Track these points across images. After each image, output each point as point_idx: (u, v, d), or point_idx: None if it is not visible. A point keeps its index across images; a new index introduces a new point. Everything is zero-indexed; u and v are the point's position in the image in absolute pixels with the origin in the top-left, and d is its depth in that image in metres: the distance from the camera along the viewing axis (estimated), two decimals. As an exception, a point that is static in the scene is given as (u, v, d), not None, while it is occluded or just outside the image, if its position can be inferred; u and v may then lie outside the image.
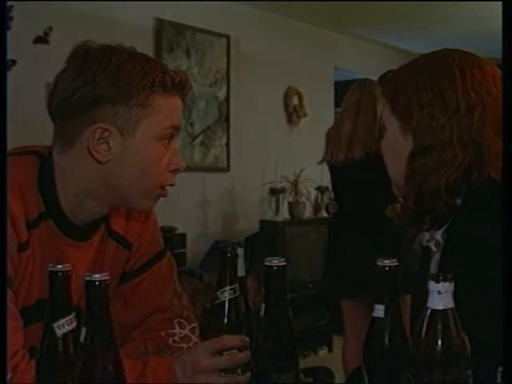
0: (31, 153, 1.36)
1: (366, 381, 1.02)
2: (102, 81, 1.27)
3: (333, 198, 3.57)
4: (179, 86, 1.34)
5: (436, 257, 1.28)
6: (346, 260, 3.22)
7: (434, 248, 1.29)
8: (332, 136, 3.31)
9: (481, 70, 1.28)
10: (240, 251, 1.21)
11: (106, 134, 1.29)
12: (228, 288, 1.19)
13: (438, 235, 1.28)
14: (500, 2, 1.29)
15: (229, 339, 1.19)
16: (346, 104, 3.32)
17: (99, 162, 1.30)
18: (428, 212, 1.28)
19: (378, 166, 3.02)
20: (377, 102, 3.18)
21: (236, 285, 1.19)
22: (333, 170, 3.37)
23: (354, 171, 3.20)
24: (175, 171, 1.37)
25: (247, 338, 1.18)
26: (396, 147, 1.32)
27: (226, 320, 1.19)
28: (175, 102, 1.34)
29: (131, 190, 1.33)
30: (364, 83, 3.34)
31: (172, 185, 1.38)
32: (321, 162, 3.39)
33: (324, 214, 5.43)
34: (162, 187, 1.36)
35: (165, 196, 1.39)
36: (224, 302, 1.19)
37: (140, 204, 1.37)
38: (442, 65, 1.28)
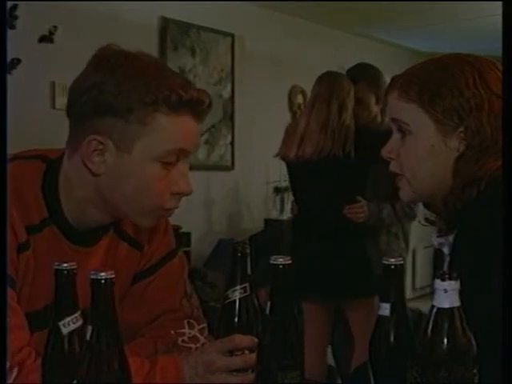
0: (37, 157, 1.34)
1: (372, 379, 1.02)
2: (107, 88, 1.22)
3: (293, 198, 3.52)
4: (188, 105, 1.24)
5: (448, 258, 1.29)
6: (304, 262, 3.18)
7: (446, 251, 1.30)
8: (287, 132, 3.24)
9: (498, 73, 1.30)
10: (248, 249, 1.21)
11: (102, 146, 1.24)
12: (239, 287, 1.18)
13: (451, 237, 1.28)
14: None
15: (240, 339, 1.18)
16: (308, 100, 3.23)
17: (93, 174, 1.27)
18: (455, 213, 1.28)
19: (331, 166, 3.00)
20: (332, 99, 3.08)
21: (246, 284, 1.18)
22: (288, 167, 3.29)
23: (307, 170, 3.12)
24: (179, 194, 1.30)
25: (256, 339, 1.18)
26: (433, 152, 1.30)
27: (237, 319, 1.19)
28: (184, 122, 1.25)
29: (127, 207, 1.29)
30: (322, 78, 3.23)
31: (175, 207, 1.32)
32: (275, 156, 3.29)
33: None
34: (163, 209, 1.30)
35: (167, 217, 1.35)
36: (235, 301, 1.18)
37: (138, 221, 1.33)
38: (468, 69, 1.28)
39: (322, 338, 3.25)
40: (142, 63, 1.26)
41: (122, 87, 1.21)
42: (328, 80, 3.19)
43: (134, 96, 1.21)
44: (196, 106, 1.26)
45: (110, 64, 1.24)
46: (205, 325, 1.45)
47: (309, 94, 6.00)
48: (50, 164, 1.33)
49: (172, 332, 1.40)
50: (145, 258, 1.44)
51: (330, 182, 3.10)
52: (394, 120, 1.34)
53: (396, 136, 1.35)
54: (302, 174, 3.18)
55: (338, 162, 3.03)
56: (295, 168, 3.21)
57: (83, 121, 1.25)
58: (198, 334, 1.42)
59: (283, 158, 3.25)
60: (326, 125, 3.05)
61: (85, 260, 1.31)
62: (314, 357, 3.14)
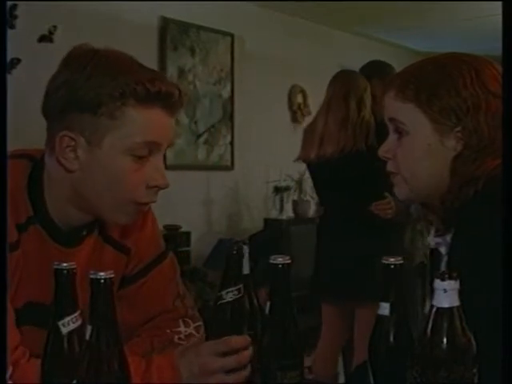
0: (23, 156, 1.35)
1: (371, 379, 1.02)
2: (76, 85, 1.23)
3: (317, 199, 3.48)
4: (157, 98, 1.25)
5: (446, 258, 1.29)
6: (328, 263, 3.14)
7: (443, 251, 1.30)
8: (306, 134, 3.22)
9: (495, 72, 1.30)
10: (245, 249, 1.20)
11: (73, 142, 1.25)
12: (233, 288, 1.18)
13: (448, 237, 1.28)
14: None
15: (235, 341, 1.18)
16: (323, 100, 3.21)
17: (67, 170, 1.27)
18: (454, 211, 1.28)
19: (354, 162, 2.96)
20: (349, 96, 3.05)
21: (241, 285, 1.18)
22: (309, 168, 3.27)
23: (330, 169, 3.09)
24: (154, 188, 1.30)
25: (249, 338, 1.18)
26: (429, 152, 1.30)
27: (230, 320, 1.19)
28: (154, 115, 1.26)
29: (101, 203, 1.29)
30: (337, 77, 3.20)
31: (151, 202, 1.32)
32: (296, 160, 3.29)
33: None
34: (138, 203, 1.30)
35: (142, 212, 1.35)
36: (229, 302, 1.18)
37: (114, 218, 1.32)
38: (466, 68, 1.28)
39: (339, 339, 3.23)
40: (111, 59, 1.27)
41: (90, 83, 1.23)
42: (343, 78, 3.16)
43: (102, 91, 1.23)
44: (165, 99, 1.26)
45: (80, 61, 1.26)
46: (200, 323, 1.46)
47: (309, 93, 6.03)
48: (36, 163, 1.34)
49: (168, 331, 1.41)
50: (132, 261, 1.44)
51: (354, 179, 3.05)
52: (390, 120, 1.35)
53: (392, 136, 1.35)
54: (325, 173, 3.14)
55: (362, 157, 2.98)
56: (317, 169, 3.18)
57: (56, 118, 1.27)
58: (193, 332, 1.43)
59: (304, 161, 3.22)
60: (346, 122, 3.02)
61: (68, 261, 1.31)
62: (328, 356, 3.13)
